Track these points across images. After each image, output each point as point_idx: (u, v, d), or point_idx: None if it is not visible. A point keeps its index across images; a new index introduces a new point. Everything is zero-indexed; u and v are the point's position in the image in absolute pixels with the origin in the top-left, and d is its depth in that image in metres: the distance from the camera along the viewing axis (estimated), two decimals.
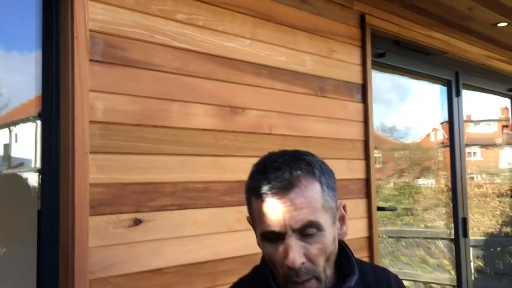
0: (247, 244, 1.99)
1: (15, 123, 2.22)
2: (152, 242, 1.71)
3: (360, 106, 2.62)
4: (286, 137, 2.20)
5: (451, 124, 3.51)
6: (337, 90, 2.49)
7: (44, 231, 1.57)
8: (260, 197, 0.93)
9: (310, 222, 0.91)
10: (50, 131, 1.59)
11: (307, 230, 0.91)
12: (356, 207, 2.56)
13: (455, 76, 3.52)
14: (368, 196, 2.61)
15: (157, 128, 1.75)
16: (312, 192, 0.92)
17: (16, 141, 2.24)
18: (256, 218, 0.96)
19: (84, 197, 1.55)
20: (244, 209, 2.07)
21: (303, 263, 0.91)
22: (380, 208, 2.75)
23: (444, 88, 3.55)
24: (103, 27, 1.64)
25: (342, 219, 1.01)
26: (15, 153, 2.27)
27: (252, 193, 0.97)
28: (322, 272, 0.95)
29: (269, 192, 0.92)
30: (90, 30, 1.60)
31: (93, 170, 1.58)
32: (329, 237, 0.94)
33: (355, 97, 2.60)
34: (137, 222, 1.68)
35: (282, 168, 0.93)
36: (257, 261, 2.13)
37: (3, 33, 1.92)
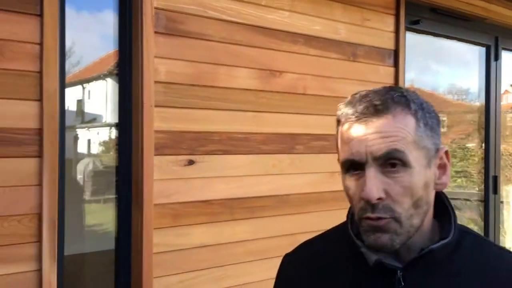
0: (280, 186, 2.40)
1: (88, 81, 2.58)
2: (202, 179, 2.15)
3: (391, 70, 2.90)
4: (319, 97, 2.54)
5: (488, 87, 3.68)
6: (369, 55, 2.78)
7: (120, 168, 2.04)
8: (343, 123, 0.83)
9: (394, 151, 0.78)
10: (124, 89, 2.03)
11: (390, 161, 0.79)
12: None
13: (494, 41, 3.65)
14: None
15: (207, 87, 2.15)
16: (404, 123, 0.79)
17: (89, 98, 2.51)
18: (339, 149, 0.85)
19: (150, 141, 2.00)
20: (279, 157, 2.49)
21: (380, 199, 0.79)
22: None
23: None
24: (166, 5, 2.03)
25: (442, 168, 0.86)
26: (88, 109, 2.56)
27: (337, 123, 0.86)
28: (405, 217, 0.80)
29: (353, 116, 0.81)
30: (155, 8, 2.00)
31: (157, 120, 2.02)
32: (418, 177, 0.80)
33: (387, 62, 2.87)
34: (191, 162, 2.12)
35: (370, 95, 0.82)
36: (290, 201, 2.58)
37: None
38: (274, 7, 2.37)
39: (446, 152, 0.86)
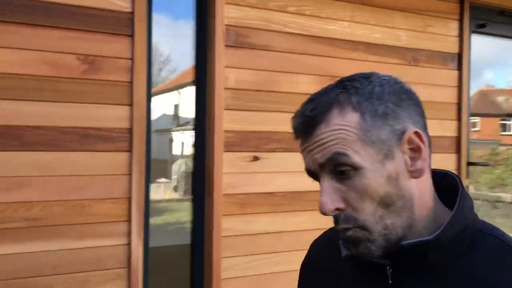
0: None
1: (182, 86, 3.01)
2: (266, 174, 2.43)
3: (454, 73, 2.99)
4: None
5: None
6: (430, 59, 2.90)
7: (196, 163, 2.38)
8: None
9: (335, 155, 0.73)
10: (199, 95, 2.37)
11: (339, 167, 0.74)
12: (446, 161, 2.98)
13: None
14: (458, 151, 3.01)
15: (270, 92, 2.43)
16: (343, 124, 0.74)
17: (184, 102, 3.02)
18: None
19: (221, 139, 2.32)
20: None
21: (339, 209, 0.75)
22: (470, 163, 3.11)
23: None
24: (235, 22, 2.35)
25: (416, 152, 0.76)
26: (182, 113, 3.05)
27: None
28: (372, 222, 0.74)
29: (295, 132, 0.81)
30: (226, 25, 2.33)
31: (226, 121, 2.33)
32: (373, 176, 0.73)
33: (450, 65, 2.97)
34: (256, 158, 2.41)
35: (308, 104, 0.80)
36: None
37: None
38: (334, 18, 2.60)
39: (417, 133, 0.75)
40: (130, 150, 2.13)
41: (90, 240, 2.06)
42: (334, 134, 0.74)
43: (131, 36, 2.12)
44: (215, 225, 2.30)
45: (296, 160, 2.50)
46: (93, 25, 2.05)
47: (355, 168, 0.73)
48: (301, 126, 0.78)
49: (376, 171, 0.74)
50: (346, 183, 0.75)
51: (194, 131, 2.40)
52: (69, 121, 2.03)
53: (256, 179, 2.41)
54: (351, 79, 0.79)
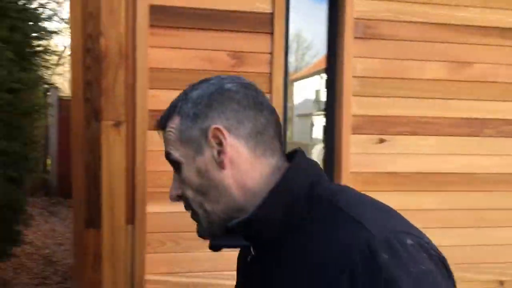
0: (467, 165, 2.69)
1: (324, 71, 3.08)
2: (391, 155, 2.62)
3: None
4: (510, 85, 2.72)
5: None
6: None
7: (327, 144, 2.67)
8: None
9: (166, 154, 0.88)
10: (330, 82, 2.64)
11: (171, 163, 0.88)
12: None
13: None
14: None
15: (397, 79, 2.60)
16: (171, 127, 0.87)
17: (324, 87, 2.84)
18: None
19: (348, 123, 2.57)
20: (467, 139, 2.75)
21: (179, 196, 0.89)
22: None
23: None
24: (363, 15, 2.56)
25: (220, 145, 0.83)
26: (323, 97, 2.91)
27: None
28: (196, 206, 0.87)
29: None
30: (355, 18, 2.55)
31: (354, 106, 2.57)
32: (188, 170, 0.85)
33: None
34: (381, 141, 2.61)
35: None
36: (476, 180, 2.88)
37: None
38: (464, 5, 2.65)
39: (217, 129, 0.82)
40: None
41: None
42: (167, 136, 0.87)
43: (271, 33, 2.46)
44: None
45: (420, 143, 2.66)
46: (240, 26, 2.44)
47: (178, 163, 0.86)
48: (157, 128, 0.92)
49: (189, 165, 0.85)
50: (179, 175, 0.87)
51: (325, 115, 2.69)
52: None
53: (381, 160, 2.61)
54: (190, 85, 0.89)
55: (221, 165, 0.83)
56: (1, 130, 3.31)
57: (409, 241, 0.71)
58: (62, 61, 11.28)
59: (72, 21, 2.04)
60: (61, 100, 8.21)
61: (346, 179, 2.57)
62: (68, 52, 11.36)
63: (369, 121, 2.60)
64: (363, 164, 2.60)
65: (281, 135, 0.89)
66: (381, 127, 2.61)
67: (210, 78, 0.89)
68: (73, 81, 2.08)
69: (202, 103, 0.84)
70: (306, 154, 0.90)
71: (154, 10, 2.28)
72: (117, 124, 2.13)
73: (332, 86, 2.64)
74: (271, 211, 0.81)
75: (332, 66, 2.64)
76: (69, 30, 2.30)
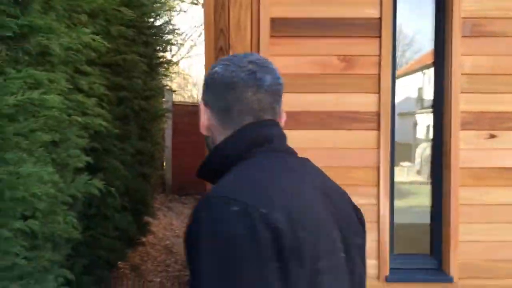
0: None
1: (427, 67, 2.96)
2: (502, 150, 2.66)
3: None
4: None
5: None
6: None
7: (435, 140, 2.77)
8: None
9: None
10: (438, 79, 2.74)
11: None
12: None
13: None
14: None
15: (507, 75, 2.64)
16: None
17: (428, 84, 2.94)
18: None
19: (457, 119, 2.65)
20: None
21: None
22: None
23: None
24: (470, 14, 2.63)
25: (203, 115, 1.08)
26: (426, 95, 3.05)
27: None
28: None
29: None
30: (462, 17, 2.63)
31: (462, 103, 2.65)
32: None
33: None
34: (492, 136, 2.66)
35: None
36: None
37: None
38: None
39: (201, 103, 1.06)
40: (378, 129, 2.66)
41: None
42: None
43: (379, 37, 2.63)
44: (452, 194, 2.66)
45: None
46: (349, 32, 2.64)
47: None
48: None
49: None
50: None
51: (432, 112, 2.79)
52: (332, 106, 2.67)
53: (492, 155, 2.66)
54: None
55: (206, 129, 1.06)
56: (137, 133, 3.83)
57: (233, 208, 0.84)
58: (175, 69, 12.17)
59: (206, 38, 2.37)
60: (174, 105, 8.92)
61: (456, 174, 2.65)
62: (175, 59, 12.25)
63: (478, 117, 2.67)
64: (472, 159, 2.67)
65: (264, 108, 1.02)
66: (491, 123, 2.66)
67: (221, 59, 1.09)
68: None
69: (205, 82, 1.08)
70: (275, 126, 1.05)
71: (274, 22, 2.56)
72: None
73: (440, 83, 2.74)
74: (210, 161, 1.03)
75: (440, 65, 2.74)
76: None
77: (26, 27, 1.67)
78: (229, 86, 1.01)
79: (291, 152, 1.05)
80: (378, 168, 2.66)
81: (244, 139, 1.01)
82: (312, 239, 0.87)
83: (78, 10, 2.31)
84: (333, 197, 1.01)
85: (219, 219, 0.84)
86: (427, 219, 2.86)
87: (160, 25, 4.46)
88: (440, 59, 2.74)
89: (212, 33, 2.34)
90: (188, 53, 13.93)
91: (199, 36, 13.87)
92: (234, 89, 1.01)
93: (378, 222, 2.67)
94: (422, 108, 3.00)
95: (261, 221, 0.82)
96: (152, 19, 4.28)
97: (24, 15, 1.67)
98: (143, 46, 3.73)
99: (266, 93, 1.02)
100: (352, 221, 1.04)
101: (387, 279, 2.65)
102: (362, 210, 2.55)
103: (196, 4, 11.19)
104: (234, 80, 1.01)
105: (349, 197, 1.10)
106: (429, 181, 2.87)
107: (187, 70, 16.22)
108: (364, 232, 1.08)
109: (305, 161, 1.06)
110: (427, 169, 2.99)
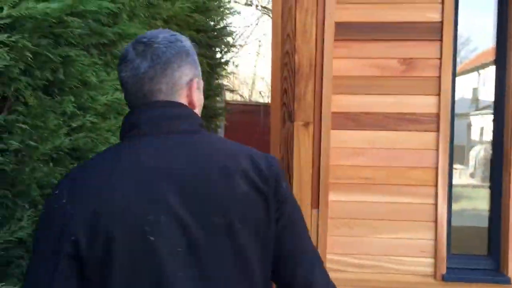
0: None
1: (482, 66, 2.97)
2: None
3: None
4: None
5: None
6: None
7: (494, 139, 2.79)
8: None
9: None
10: (499, 77, 2.76)
11: None
12: None
13: None
14: None
15: None
16: None
17: (483, 85, 2.99)
18: None
19: None
20: None
21: None
22: None
23: None
24: None
25: None
26: (482, 96, 3.03)
27: None
28: None
29: None
30: None
31: None
32: None
33: None
34: None
35: None
36: None
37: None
38: None
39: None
40: (437, 130, 2.71)
41: (406, 197, 2.75)
42: None
43: (440, 40, 2.69)
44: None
45: None
46: (410, 35, 2.71)
47: None
48: None
49: None
50: None
51: (493, 112, 2.81)
52: (391, 108, 2.75)
53: None
54: None
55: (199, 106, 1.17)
56: None
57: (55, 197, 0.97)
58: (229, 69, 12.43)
59: (273, 42, 2.51)
60: (227, 103, 9.14)
61: None
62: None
63: None
64: None
65: (153, 89, 1.05)
66: None
67: None
68: (273, 89, 2.56)
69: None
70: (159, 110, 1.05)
71: (338, 26, 2.67)
72: (306, 125, 2.56)
73: (501, 83, 2.76)
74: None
75: (501, 63, 2.76)
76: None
77: (117, 34, 1.86)
78: (123, 63, 1.09)
79: (168, 132, 1.02)
80: (436, 169, 2.72)
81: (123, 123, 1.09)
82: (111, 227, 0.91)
83: (156, 16, 2.51)
84: (191, 180, 0.96)
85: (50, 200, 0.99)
86: (481, 223, 2.88)
87: (222, 27, 4.66)
88: (502, 57, 2.75)
89: (279, 37, 2.47)
90: (237, 52, 14.17)
91: (248, 36, 14.06)
92: (126, 66, 1.09)
93: (435, 221, 2.72)
94: (477, 109, 2.98)
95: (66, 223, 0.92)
96: (213, 22, 4.47)
97: (116, 23, 1.86)
98: (207, 48, 3.92)
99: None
100: (224, 200, 0.96)
101: (444, 278, 2.70)
102: (419, 210, 2.61)
103: (250, 5, 11.39)
104: (130, 55, 1.08)
105: (249, 166, 1.02)
106: (483, 184, 2.89)
107: (235, 69, 16.48)
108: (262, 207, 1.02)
109: (183, 143, 1.01)
110: (480, 172, 3.01)
